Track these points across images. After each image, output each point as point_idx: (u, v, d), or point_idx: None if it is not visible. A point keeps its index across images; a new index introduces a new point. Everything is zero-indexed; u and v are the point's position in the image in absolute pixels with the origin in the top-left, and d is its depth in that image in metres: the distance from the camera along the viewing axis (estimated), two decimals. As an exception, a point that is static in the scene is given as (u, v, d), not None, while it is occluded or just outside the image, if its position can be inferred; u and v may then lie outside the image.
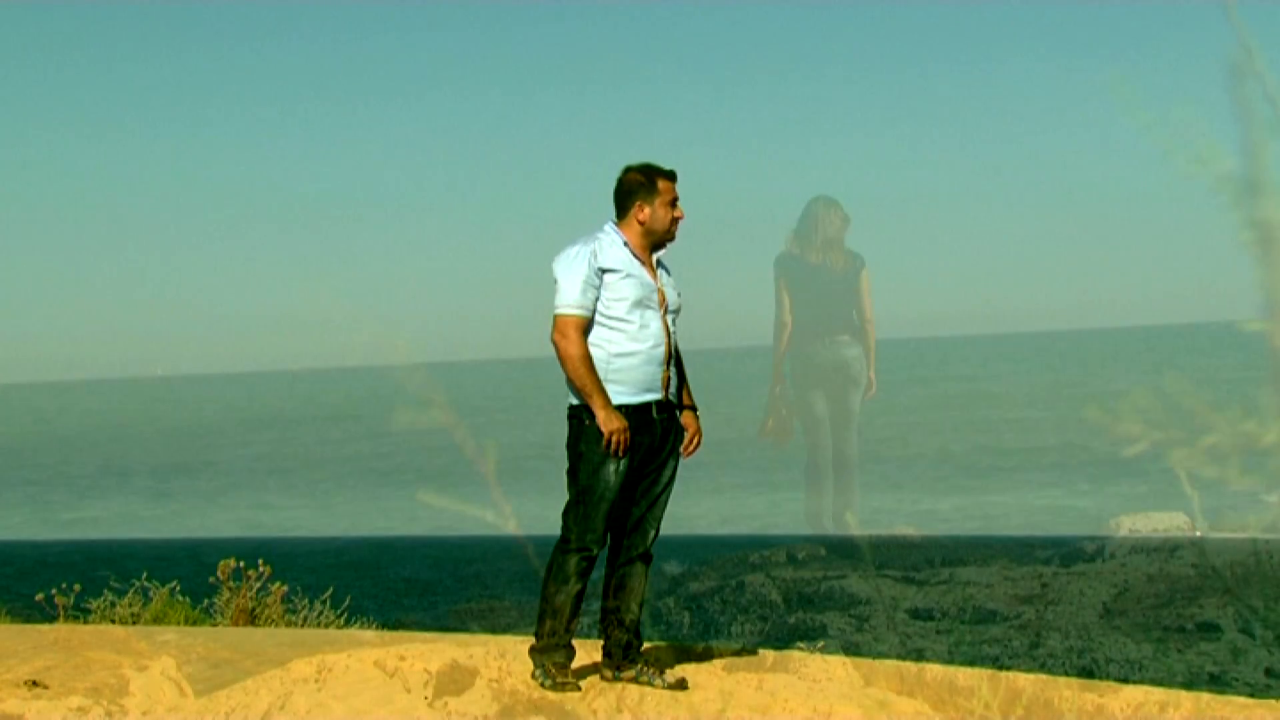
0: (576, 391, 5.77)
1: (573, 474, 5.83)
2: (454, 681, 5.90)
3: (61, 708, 6.01)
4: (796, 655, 6.45)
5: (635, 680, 5.84)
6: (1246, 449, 2.63)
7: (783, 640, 7.83)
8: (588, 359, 5.74)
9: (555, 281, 5.81)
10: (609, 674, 5.90)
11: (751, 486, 24.02)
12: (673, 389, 5.92)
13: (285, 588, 8.52)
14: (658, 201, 5.88)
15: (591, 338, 5.78)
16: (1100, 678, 6.69)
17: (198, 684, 6.36)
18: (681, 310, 6.00)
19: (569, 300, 5.76)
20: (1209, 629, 7.65)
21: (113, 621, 8.33)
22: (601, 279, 5.78)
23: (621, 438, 5.70)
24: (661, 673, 5.87)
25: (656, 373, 5.83)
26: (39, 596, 8.29)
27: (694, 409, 6.04)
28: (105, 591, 8.65)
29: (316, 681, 5.96)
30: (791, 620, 8.53)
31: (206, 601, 8.65)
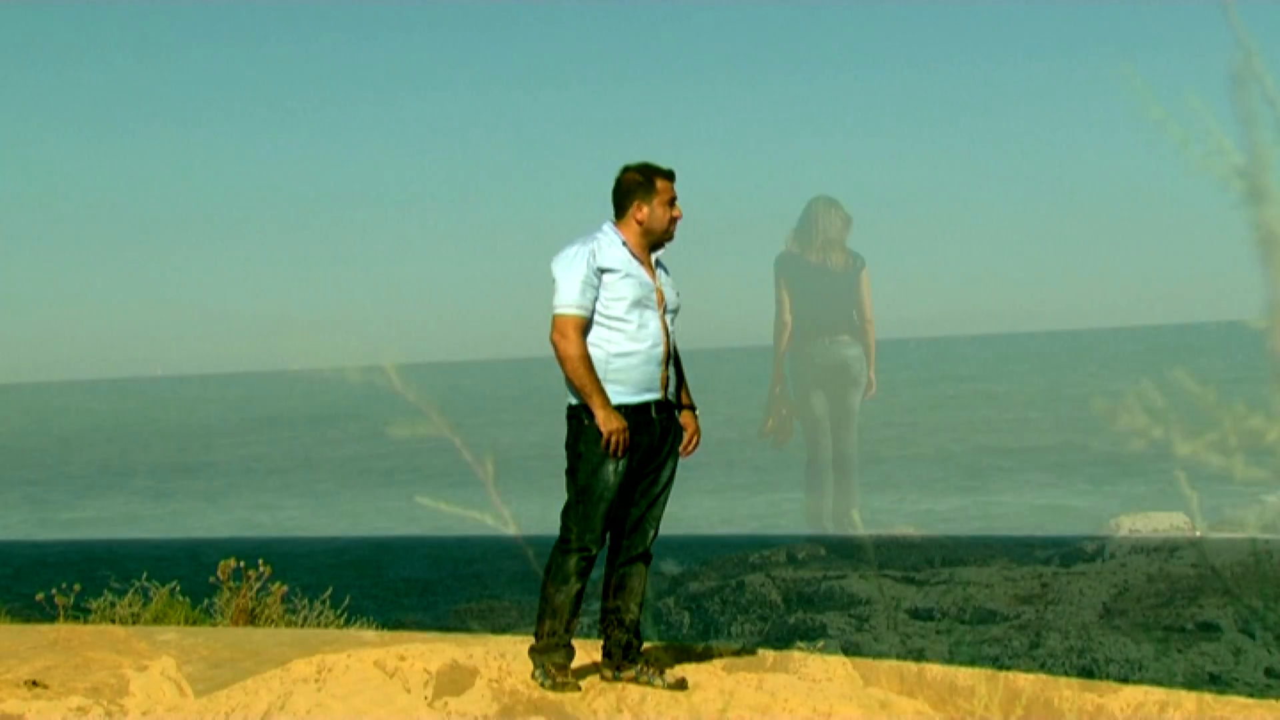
0: (576, 391, 5.78)
1: (572, 474, 5.83)
2: (454, 681, 5.90)
3: (61, 708, 6.01)
4: (796, 655, 6.45)
5: (635, 680, 5.84)
6: (1251, 445, 2.63)
7: (783, 640, 7.83)
8: (587, 359, 5.74)
9: (554, 281, 5.82)
10: (609, 674, 5.90)
11: (751, 486, 24.02)
12: (671, 389, 5.92)
13: (285, 588, 8.51)
14: (656, 201, 5.89)
15: (590, 338, 5.78)
16: (1100, 678, 6.69)
17: (198, 684, 6.36)
18: (680, 310, 6.01)
19: (568, 300, 5.76)
20: (1209, 629, 7.66)
21: (113, 621, 8.33)
22: (600, 279, 5.78)
23: (621, 438, 5.70)
24: (661, 673, 5.88)
25: (655, 372, 5.83)
26: (39, 596, 8.29)
27: (693, 409, 6.04)
28: (105, 591, 8.65)
29: (316, 681, 5.96)
30: (791, 620, 8.53)
31: (206, 601, 8.65)
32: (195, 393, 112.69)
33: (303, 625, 8.51)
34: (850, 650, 7.08)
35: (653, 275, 5.90)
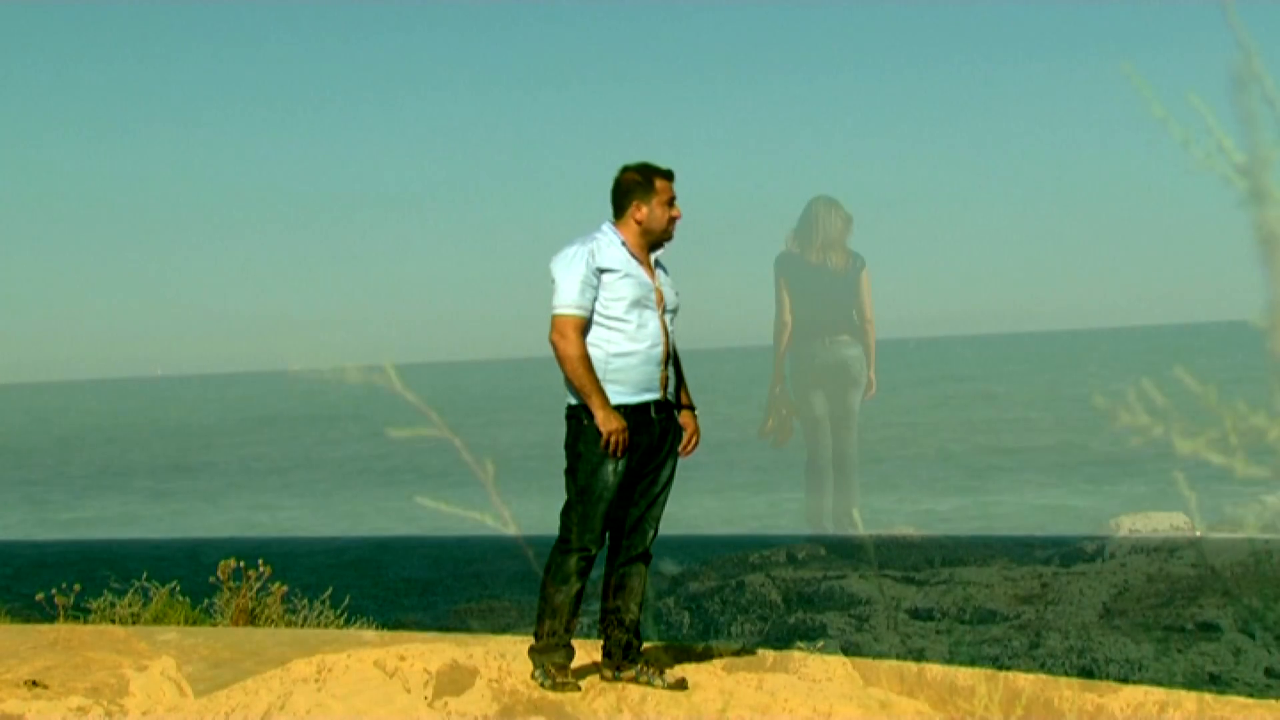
0: (575, 391, 5.78)
1: (571, 474, 5.83)
2: (454, 681, 5.90)
3: (61, 708, 6.01)
4: (796, 655, 6.45)
5: (635, 680, 5.84)
6: (1252, 443, 2.63)
7: (783, 640, 7.83)
8: (586, 359, 5.74)
9: (553, 282, 5.82)
10: (609, 674, 5.90)
11: (751, 486, 24.02)
12: (671, 389, 5.92)
13: (285, 588, 8.51)
14: (655, 201, 5.89)
15: (590, 338, 5.78)
16: (1100, 678, 6.69)
17: (198, 684, 6.36)
18: (680, 310, 6.01)
19: (567, 300, 5.76)
20: (1209, 629, 7.65)
21: (113, 621, 8.33)
22: (599, 279, 5.78)
23: (620, 438, 5.70)
24: (661, 673, 5.87)
25: (655, 372, 5.83)
26: (39, 596, 8.28)
27: (692, 408, 6.04)
28: (105, 591, 8.64)
29: (316, 681, 5.96)
30: (791, 620, 8.53)
31: (206, 601, 8.65)
32: (195, 393, 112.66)
33: (303, 625, 8.51)
34: (850, 650, 7.08)
35: (652, 275, 5.90)
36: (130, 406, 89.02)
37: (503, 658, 6.10)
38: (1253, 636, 7.48)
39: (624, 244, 5.86)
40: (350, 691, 5.86)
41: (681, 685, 5.82)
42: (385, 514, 23.27)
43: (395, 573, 13.77)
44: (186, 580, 9.08)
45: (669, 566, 11.00)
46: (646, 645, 6.14)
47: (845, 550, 10.78)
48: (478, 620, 9.83)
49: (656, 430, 5.86)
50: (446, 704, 5.75)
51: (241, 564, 8.41)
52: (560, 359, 5.76)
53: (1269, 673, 6.92)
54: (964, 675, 6.01)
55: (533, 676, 5.84)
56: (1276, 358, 2.39)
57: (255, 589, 8.43)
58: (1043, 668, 6.93)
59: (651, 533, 5.94)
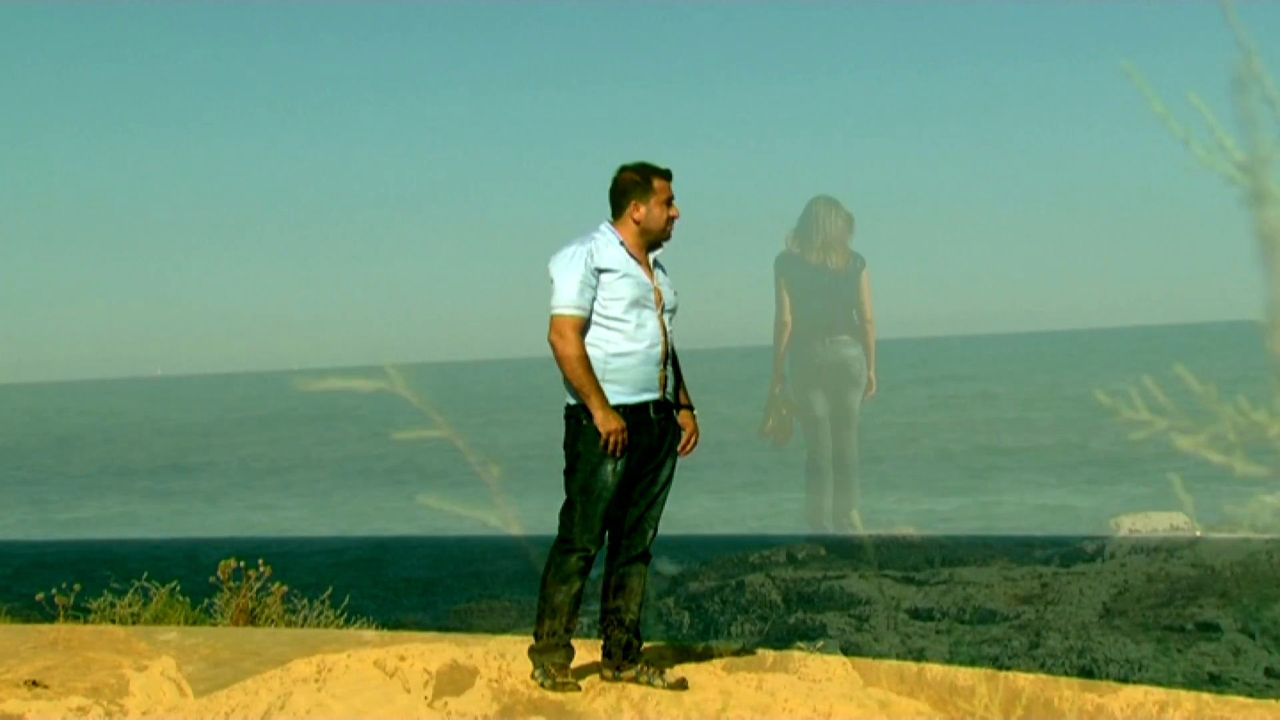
0: (574, 391, 5.78)
1: (570, 474, 5.83)
2: (454, 681, 5.90)
3: (61, 708, 6.01)
4: (796, 655, 6.45)
5: (635, 680, 5.84)
6: (1251, 441, 2.63)
7: (782, 640, 7.83)
8: (585, 359, 5.74)
9: (552, 282, 5.82)
10: (609, 674, 5.90)
11: (751, 486, 24.03)
12: (670, 388, 5.92)
13: (285, 588, 8.51)
14: (653, 201, 5.89)
15: (589, 338, 5.78)
16: (1100, 678, 6.69)
17: (198, 684, 6.36)
18: (679, 310, 6.01)
19: (566, 300, 5.76)
20: (1209, 629, 7.65)
21: (113, 621, 8.33)
22: (598, 279, 5.78)
23: (619, 438, 5.70)
24: (661, 673, 5.88)
25: (653, 372, 5.83)
26: (39, 596, 8.28)
27: (691, 408, 6.04)
28: (105, 591, 8.64)
29: (316, 681, 5.96)
30: (791, 620, 8.53)
31: (206, 601, 8.65)
32: (195, 393, 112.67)
33: (303, 625, 8.51)
34: (850, 650, 7.08)
35: (650, 275, 5.90)
36: (130, 406, 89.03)
37: (503, 658, 6.10)
38: (1253, 636, 7.48)
39: (622, 244, 5.86)
40: (350, 691, 5.86)
41: (681, 685, 5.82)
42: (385, 514, 23.28)
43: (395, 573, 13.77)
44: (186, 580, 9.08)
45: (668, 566, 11.00)
46: (646, 645, 6.15)
47: (845, 550, 10.78)
48: (478, 620, 9.83)
49: (655, 430, 5.86)
50: (446, 704, 5.75)
51: (241, 564, 8.41)
52: (559, 359, 5.76)
53: (1269, 673, 6.92)
54: (964, 675, 6.01)
55: (533, 676, 5.84)
56: (1277, 356, 2.39)
57: (255, 589, 8.43)
58: (1043, 668, 6.94)
59: (651, 532, 5.94)
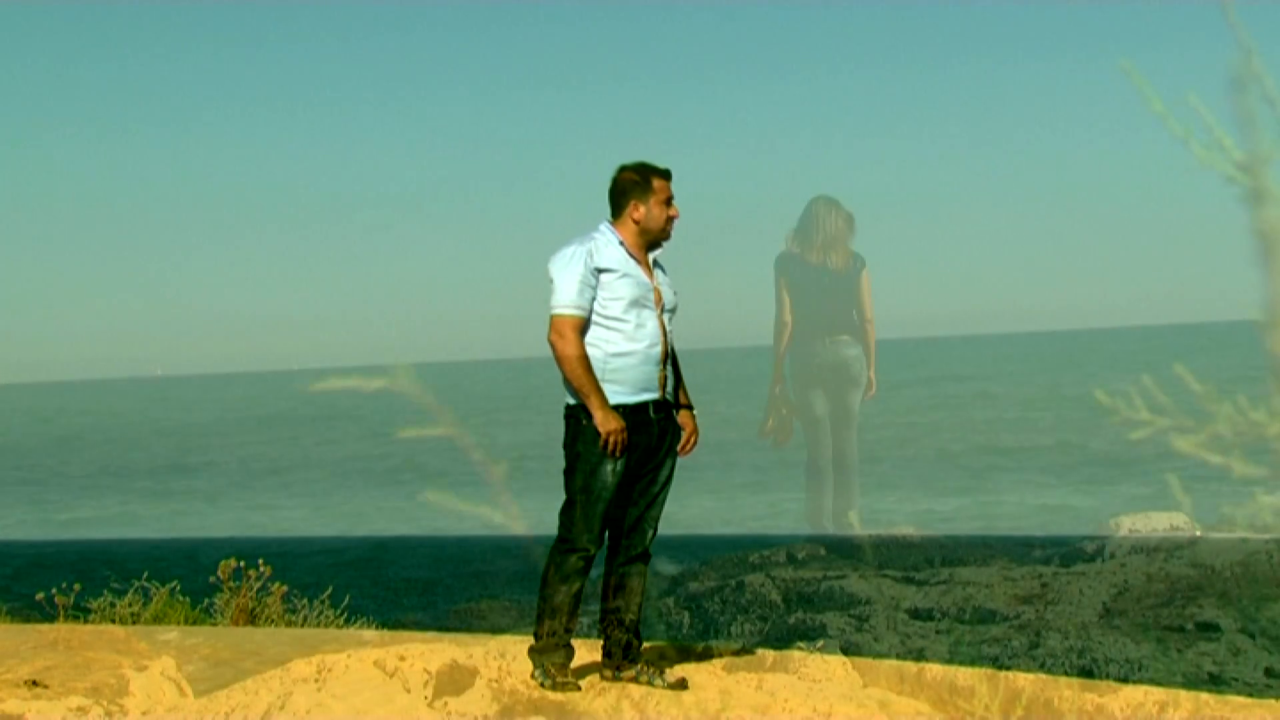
0: (573, 391, 5.78)
1: (570, 474, 5.83)
2: (454, 681, 5.90)
3: (61, 708, 6.01)
4: (796, 655, 6.45)
5: (635, 680, 5.84)
6: (1250, 442, 2.63)
7: (782, 640, 7.83)
8: (585, 359, 5.74)
9: (551, 282, 5.82)
10: (609, 674, 5.90)
11: (751, 486, 24.03)
12: (669, 388, 5.92)
13: (285, 588, 8.51)
14: (653, 200, 5.89)
15: (588, 338, 5.78)
16: (1100, 678, 6.69)
17: (198, 684, 6.36)
18: (678, 309, 6.01)
19: (565, 300, 5.76)
20: (1209, 629, 7.65)
21: (113, 621, 8.33)
22: (598, 279, 5.78)
23: (619, 438, 5.70)
24: (661, 673, 5.88)
25: (653, 372, 5.84)
26: (39, 596, 8.28)
27: (691, 408, 6.04)
28: (105, 591, 8.64)
29: (316, 681, 5.96)
30: (791, 620, 8.53)
31: (206, 601, 8.65)
32: (195, 393, 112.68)
33: (303, 625, 8.51)
34: (850, 650, 7.08)
35: (650, 275, 5.90)
36: (130, 406, 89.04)
37: (503, 658, 6.10)
38: (1252, 636, 7.48)
39: (622, 244, 5.86)
40: (350, 691, 5.86)
41: (681, 685, 5.83)
42: (385, 514, 23.28)
43: (395, 573, 13.77)
44: (186, 580, 9.08)
45: (667, 566, 11.00)
46: (646, 645, 6.15)
47: (845, 550, 10.78)
48: (478, 620, 9.83)
49: (655, 430, 5.86)
50: (446, 704, 5.75)
51: (241, 564, 8.41)
52: (559, 359, 5.77)
53: (1268, 673, 6.92)
54: (964, 675, 6.01)
55: (533, 676, 5.84)
56: (1275, 355, 2.39)
57: (255, 589, 8.43)
58: (1043, 668, 6.94)
59: (651, 532, 5.94)
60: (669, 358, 5.91)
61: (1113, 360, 73.57)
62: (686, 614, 9.27)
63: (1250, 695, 6.21)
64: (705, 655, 6.49)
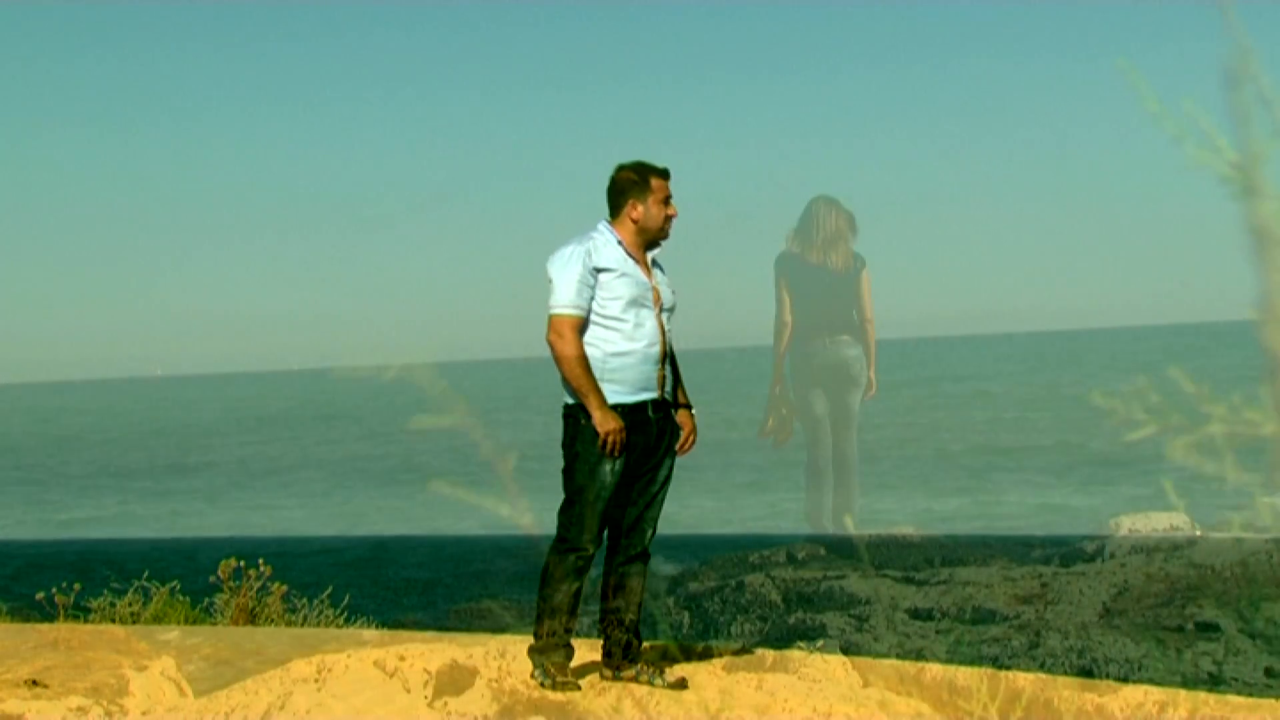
0: (572, 391, 5.78)
1: (568, 473, 5.84)
2: (454, 681, 5.90)
3: (61, 708, 6.01)
4: (796, 655, 6.45)
5: (635, 680, 5.84)
6: (1246, 439, 2.63)
7: (782, 640, 7.83)
8: (583, 359, 5.74)
9: (550, 282, 5.82)
10: (609, 674, 5.90)
11: (751, 486, 24.03)
12: (668, 388, 5.92)
13: (285, 588, 8.51)
14: (651, 200, 5.89)
15: (587, 337, 5.78)
16: (1100, 678, 6.69)
17: (198, 684, 6.36)
18: (677, 309, 6.01)
19: (564, 300, 5.76)
20: (1209, 629, 7.65)
21: (113, 621, 8.33)
22: (596, 278, 5.78)
23: (617, 438, 5.70)
24: (661, 672, 5.88)
25: (652, 372, 5.84)
26: (39, 596, 8.28)
27: (689, 407, 6.04)
28: (105, 591, 8.64)
29: (316, 681, 5.96)
30: (791, 620, 8.53)
31: (206, 601, 8.65)
32: (195, 393, 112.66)
33: (303, 625, 8.51)
34: (850, 650, 7.08)
35: (649, 274, 5.90)
36: (130, 406, 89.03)
37: (503, 658, 6.10)
38: (1252, 637, 7.48)
39: (620, 243, 5.86)
40: (350, 691, 5.86)
41: (681, 685, 5.83)
42: (385, 514, 23.28)
43: (395, 573, 13.77)
44: (186, 580, 9.08)
45: (665, 567, 11.00)
46: (646, 645, 6.15)
47: (845, 550, 10.78)
48: (478, 620, 9.83)
49: (654, 429, 5.86)
50: (446, 704, 5.75)
51: (241, 564, 8.41)
52: (557, 359, 5.77)
53: (1269, 673, 6.92)
54: (963, 675, 6.01)
55: (532, 676, 5.84)
56: (1269, 350, 2.40)
57: (255, 589, 8.43)
58: (1042, 668, 6.94)
59: (650, 532, 5.95)
60: (667, 357, 5.91)
61: (1112, 360, 73.56)
62: (686, 614, 9.27)
63: (1250, 695, 6.21)
64: (705, 655, 6.49)
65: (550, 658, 5.81)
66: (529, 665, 5.88)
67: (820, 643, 7.40)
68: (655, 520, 5.95)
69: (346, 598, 9.03)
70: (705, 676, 5.98)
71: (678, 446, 5.96)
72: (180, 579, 8.97)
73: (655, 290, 5.88)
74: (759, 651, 6.59)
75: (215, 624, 8.37)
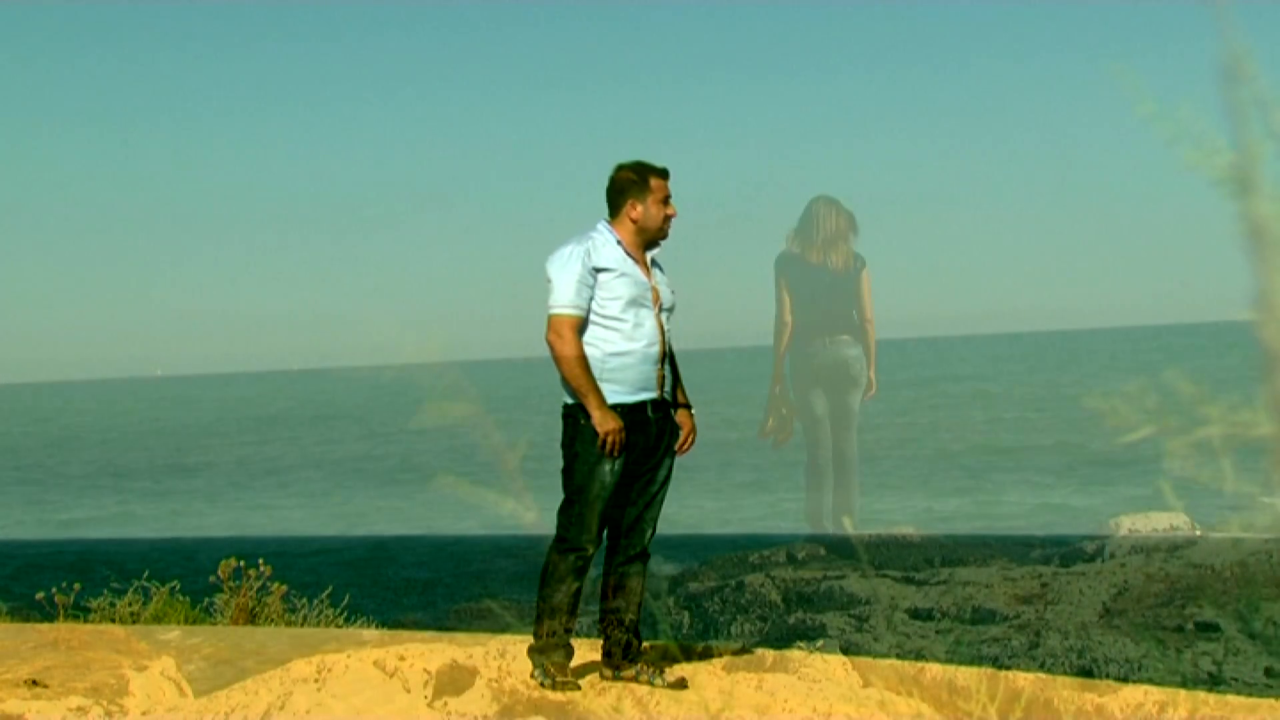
0: (572, 391, 5.78)
1: (567, 473, 5.84)
2: (454, 681, 5.90)
3: (61, 708, 6.01)
4: (796, 655, 6.45)
5: (635, 680, 5.84)
6: (1241, 441, 2.63)
7: (782, 640, 7.83)
8: (583, 359, 5.74)
9: (549, 282, 5.82)
10: (609, 674, 5.90)
11: (751, 486, 24.03)
12: (667, 387, 5.92)
13: (285, 587, 8.51)
14: (650, 199, 5.89)
15: (586, 337, 5.78)
16: (1100, 678, 6.69)
17: (198, 684, 6.36)
18: (676, 308, 6.01)
19: (563, 300, 5.76)
20: (1209, 629, 7.65)
21: (113, 621, 8.33)
22: (595, 278, 5.78)
23: (617, 438, 5.70)
24: (661, 672, 5.88)
25: (651, 371, 5.84)
26: (39, 596, 8.28)
27: (688, 407, 6.04)
28: (105, 591, 8.64)
29: (316, 681, 5.96)
30: (791, 620, 8.53)
31: (206, 601, 8.65)
32: (195, 393, 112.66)
33: (303, 625, 8.51)
34: (850, 650, 7.08)
35: (648, 274, 5.90)
36: (130, 406, 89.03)
37: (503, 658, 6.10)
38: (1252, 637, 7.48)
39: (619, 243, 5.86)
40: (350, 691, 5.86)
41: (681, 685, 5.83)
42: (385, 514, 23.27)
43: (395, 573, 13.76)
44: (186, 580, 9.08)
45: (665, 567, 11.00)
46: (646, 645, 6.15)
47: (845, 550, 10.78)
48: (478, 620, 9.83)
49: (653, 429, 5.86)
50: (446, 704, 5.75)
51: (241, 564, 8.41)
52: (557, 359, 5.77)
53: (1269, 673, 6.92)
54: (963, 675, 6.01)
55: (532, 676, 5.84)
56: (1266, 349, 2.40)
57: (255, 588, 8.43)
58: (1042, 668, 6.94)
59: (650, 532, 5.95)
60: (667, 357, 5.91)
61: (1111, 360, 73.56)
62: (686, 614, 9.27)
63: (1251, 695, 6.21)
64: (705, 655, 6.49)
65: (550, 658, 5.81)
66: (529, 665, 5.88)
67: (820, 643, 7.40)
68: (655, 520, 5.95)
69: (346, 598, 9.03)
70: (705, 676, 5.98)
71: (677, 446, 5.96)
72: (180, 579, 8.97)
73: (654, 290, 5.88)
74: (759, 651, 6.59)
75: (215, 624, 8.37)
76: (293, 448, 42.48)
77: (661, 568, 10.81)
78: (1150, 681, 6.40)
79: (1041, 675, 6.15)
